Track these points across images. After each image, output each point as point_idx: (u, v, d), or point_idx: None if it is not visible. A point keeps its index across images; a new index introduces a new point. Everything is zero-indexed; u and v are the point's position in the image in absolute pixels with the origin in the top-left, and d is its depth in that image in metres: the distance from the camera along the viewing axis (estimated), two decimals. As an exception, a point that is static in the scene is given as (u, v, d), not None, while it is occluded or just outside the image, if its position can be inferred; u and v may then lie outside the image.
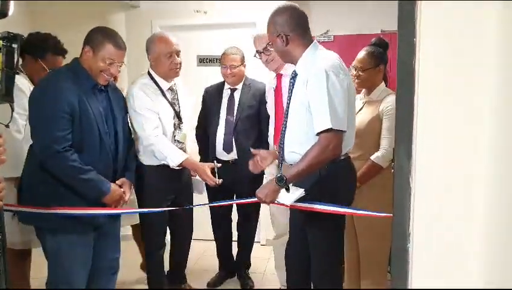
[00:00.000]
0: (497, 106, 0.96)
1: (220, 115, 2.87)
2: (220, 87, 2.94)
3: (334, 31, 3.82)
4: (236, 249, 3.18)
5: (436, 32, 1.02)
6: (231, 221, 3.12)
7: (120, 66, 2.11)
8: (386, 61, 2.44)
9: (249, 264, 3.23)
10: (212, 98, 2.93)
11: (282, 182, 1.87)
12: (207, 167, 2.39)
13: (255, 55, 2.59)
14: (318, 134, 1.84)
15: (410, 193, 1.08)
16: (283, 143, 2.03)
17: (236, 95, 2.90)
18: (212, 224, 3.09)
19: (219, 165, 2.41)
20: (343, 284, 2.64)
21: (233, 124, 2.85)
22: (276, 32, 1.95)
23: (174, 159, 2.39)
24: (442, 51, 1.02)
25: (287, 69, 2.38)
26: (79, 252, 2.05)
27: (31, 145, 2.07)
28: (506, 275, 0.93)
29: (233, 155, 2.85)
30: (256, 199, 2.00)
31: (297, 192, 1.91)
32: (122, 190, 2.16)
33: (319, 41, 2.07)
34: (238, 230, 3.13)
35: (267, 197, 1.94)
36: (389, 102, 2.29)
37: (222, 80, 2.95)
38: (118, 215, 2.29)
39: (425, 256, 1.09)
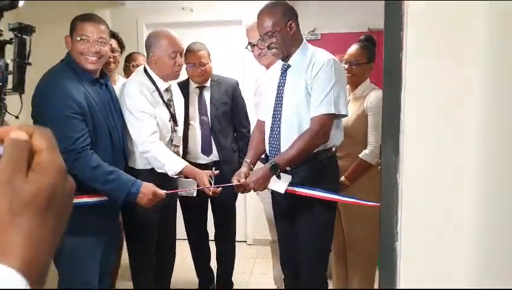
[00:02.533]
0: (485, 100, 0.95)
1: (190, 116, 2.67)
2: (184, 86, 2.68)
3: (321, 29, 3.82)
4: (216, 267, 2.97)
5: (422, 27, 1.01)
6: (207, 234, 2.94)
7: (102, 43, 1.97)
8: (375, 59, 2.43)
9: (232, 284, 3.02)
10: None
11: (277, 170, 1.88)
12: (205, 174, 2.19)
13: (246, 47, 2.47)
14: (312, 118, 1.90)
15: (397, 191, 1.07)
16: (278, 136, 2.02)
17: (207, 93, 2.71)
18: (189, 242, 2.91)
19: (217, 172, 2.21)
20: (332, 276, 2.66)
21: (209, 124, 2.68)
22: (286, 19, 1.95)
23: (172, 167, 2.19)
24: (428, 46, 1.01)
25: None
26: (96, 252, 2.01)
27: None
28: (495, 274, 0.93)
29: (212, 157, 2.69)
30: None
31: (287, 179, 1.93)
32: (152, 187, 2.04)
33: (306, 39, 2.09)
34: (216, 245, 2.93)
35: (259, 185, 1.94)
36: (372, 97, 2.28)
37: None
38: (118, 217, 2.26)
39: (414, 255, 1.08)
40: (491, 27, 0.93)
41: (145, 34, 3.86)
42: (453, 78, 1.00)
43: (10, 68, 1.18)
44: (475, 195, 0.99)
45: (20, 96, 1.28)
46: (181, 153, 2.48)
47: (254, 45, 2.39)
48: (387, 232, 1.10)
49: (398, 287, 1.10)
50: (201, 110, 2.69)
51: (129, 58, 3.09)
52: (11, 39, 1.21)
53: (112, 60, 2.54)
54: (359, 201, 1.98)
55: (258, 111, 2.69)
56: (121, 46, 2.75)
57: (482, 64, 0.95)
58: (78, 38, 1.94)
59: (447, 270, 1.06)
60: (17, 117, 1.30)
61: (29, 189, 0.39)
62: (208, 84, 2.72)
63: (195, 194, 2.42)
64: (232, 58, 3.78)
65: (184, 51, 2.37)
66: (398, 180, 1.06)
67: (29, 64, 1.24)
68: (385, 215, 1.10)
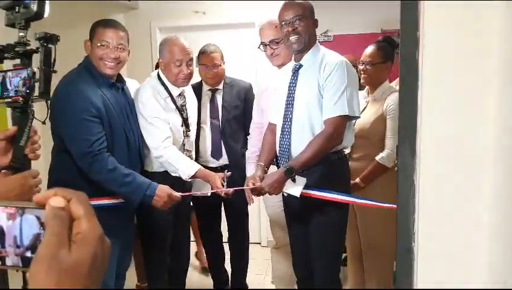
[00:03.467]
0: (502, 100, 0.94)
1: (201, 119, 2.66)
2: (197, 89, 2.69)
3: (333, 31, 3.81)
4: (230, 269, 2.98)
5: (439, 27, 1.01)
6: (221, 236, 2.94)
7: (121, 49, 2.01)
8: (393, 60, 2.40)
9: (246, 286, 3.00)
10: None
11: (292, 173, 1.88)
12: (218, 177, 2.21)
13: (258, 47, 2.43)
14: (325, 120, 1.91)
15: (414, 192, 1.06)
16: (289, 137, 2.02)
17: (219, 96, 2.70)
18: (202, 239, 2.94)
19: (229, 174, 2.24)
20: (348, 277, 2.65)
21: (220, 127, 2.67)
22: (313, 15, 2.01)
23: (186, 171, 2.22)
24: (446, 46, 1.01)
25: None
26: (113, 254, 2.01)
27: (53, 147, 2.05)
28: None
29: (222, 161, 2.68)
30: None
31: (302, 182, 1.93)
32: (167, 189, 2.06)
33: (318, 41, 2.10)
34: (230, 247, 2.94)
35: (275, 189, 1.94)
36: (392, 100, 2.26)
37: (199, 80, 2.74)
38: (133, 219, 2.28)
39: (431, 256, 1.07)
40: (508, 23, 0.92)
41: (159, 38, 3.93)
42: (471, 78, 0.99)
43: (37, 76, 1.23)
44: (494, 195, 0.99)
45: (47, 103, 1.34)
46: (194, 157, 2.49)
47: (266, 45, 2.37)
48: (404, 234, 1.09)
49: (415, 288, 1.09)
50: (213, 114, 2.69)
51: (158, 65, 3.12)
52: (37, 48, 1.26)
53: None
54: (375, 203, 1.97)
55: (261, 117, 2.57)
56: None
57: (501, 63, 0.95)
58: (98, 44, 1.98)
59: (464, 272, 1.05)
60: (43, 123, 1.36)
61: (72, 261, 0.43)
62: (221, 86, 2.72)
63: (209, 194, 2.40)
64: (245, 61, 3.79)
65: (193, 59, 2.38)
66: (415, 181, 1.06)
67: (55, 72, 1.30)
68: (402, 216, 1.10)
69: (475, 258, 1.03)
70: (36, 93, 1.23)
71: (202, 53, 2.64)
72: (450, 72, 1.01)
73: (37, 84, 1.23)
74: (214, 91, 2.72)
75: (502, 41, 0.94)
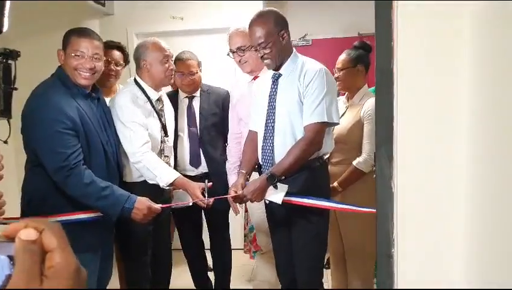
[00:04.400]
0: (476, 106, 0.95)
1: (179, 128, 2.63)
2: (173, 96, 2.68)
3: (312, 35, 3.83)
4: (214, 277, 2.96)
5: (413, 33, 1.01)
6: (203, 243, 2.91)
7: (96, 59, 1.95)
8: (366, 63, 2.42)
9: None
10: None
11: (274, 180, 1.88)
12: (197, 187, 2.16)
13: (228, 54, 2.44)
14: (305, 127, 1.92)
15: (392, 197, 1.06)
16: (272, 145, 2.02)
17: (196, 104, 2.68)
18: (184, 252, 2.89)
19: (209, 184, 2.18)
20: (331, 279, 2.65)
21: (198, 135, 2.65)
22: (278, 29, 1.96)
23: (164, 178, 2.17)
24: (420, 52, 1.01)
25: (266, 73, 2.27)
26: (93, 268, 1.96)
27: (26, 162, 1.98)
28: (490, 277, 0.92)
29: (202, 169, 2.65)
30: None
31: (284, 189, 1.93)
32: (147, 201, 2.00)
33: (297, 46, 2.10)
34: (212, 255, 2.93)
35: (257, 196, 1.93)
36: (369, 106, 2.28)
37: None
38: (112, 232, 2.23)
39: (411, 260, 1.07)
40: (481, 28, 0.93)
41: (136, 44, 3.86)
42: (445, 83, 1.00)
43: None
44: (469, 200, 0.99)
45: (8, 122, 1.28)
46: (172, 163, 2.46)
47: (234, 52, 2.38)
48: (383, 239, 1.09)
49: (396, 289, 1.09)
50: (190, 122, 2.66)
51: None
52: None
53: (113, 73, 2.48)
54: (356, 208, 1.98)
55: (238, 126, 2.57)
56: (126, 60, 2.66)
57: (473, 65, 0.96)
58: (73, 54, 1.91)
59: (443, 275, 1.05)
60: (5, 142, 1.30)
61: None
62: (197, 94, 2.70)
63: (191, 203, 2.36)
64: (223, 67, 3.77)
65: (173, 58, 2.38)
66: (393, 186, 1.06)
67: (15, 89, 1.24)
68: (381, 222, 1.10)
69: (454, 262, 1.04)
70: None
71: (178, 60, 2.61)
72: (425, 77, 1.01)
73: None
74: (190, 98, 2.69)
75: (475, 47, 0.95)
